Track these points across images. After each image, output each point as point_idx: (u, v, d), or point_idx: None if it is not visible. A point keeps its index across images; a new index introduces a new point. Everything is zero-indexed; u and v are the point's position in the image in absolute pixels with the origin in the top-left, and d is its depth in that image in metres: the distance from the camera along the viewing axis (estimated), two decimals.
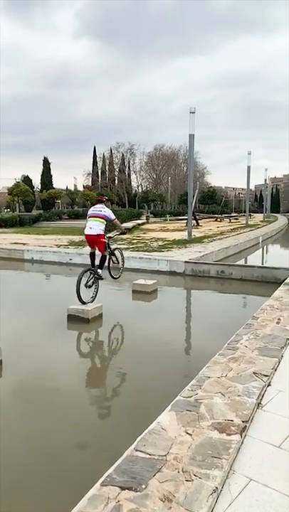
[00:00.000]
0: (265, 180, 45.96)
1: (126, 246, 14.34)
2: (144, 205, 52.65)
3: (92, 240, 6.55)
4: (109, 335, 5.94)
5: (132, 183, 69.61)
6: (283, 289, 6.51)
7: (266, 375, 3.17)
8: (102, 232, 6.48)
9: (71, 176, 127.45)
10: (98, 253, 6.74)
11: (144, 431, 2.38)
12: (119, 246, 8.45)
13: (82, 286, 6.24)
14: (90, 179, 65.03)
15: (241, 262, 13.71)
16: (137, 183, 69.35)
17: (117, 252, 7.70)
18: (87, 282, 6.45)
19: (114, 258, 7.49)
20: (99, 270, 6.64)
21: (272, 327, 4.42)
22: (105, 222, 6.57)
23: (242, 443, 2.32)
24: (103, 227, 6.52)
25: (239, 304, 8.12)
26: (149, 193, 57.08)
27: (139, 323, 6.57)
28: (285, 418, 2.61)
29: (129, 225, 23.40)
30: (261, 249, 18.16)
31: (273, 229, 27.32)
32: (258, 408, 2.74)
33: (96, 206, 6.76)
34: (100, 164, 69.40)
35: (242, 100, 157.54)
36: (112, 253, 7.35)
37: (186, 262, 10.24)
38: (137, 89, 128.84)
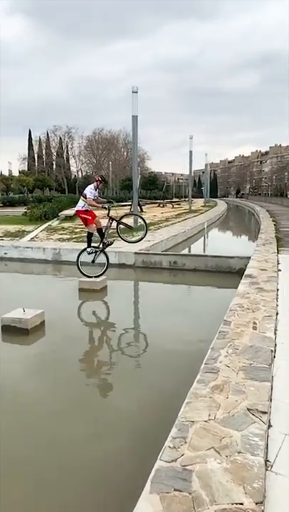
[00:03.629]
0: (206, 165, 46.49)
1: (68, 236, 13.20)
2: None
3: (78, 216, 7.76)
4: (53, 350, 4.95)
5: (72, 167, 67.03)
6: (246, 282, 5.96)
7: (264, 412, 2.46)
8: (79, 208, 7.44)
9: (5, 160, 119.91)
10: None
11: None
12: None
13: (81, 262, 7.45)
14: (26, 164, 61.48)
15: (194, 251, 13.25)
16: (77, 167, 66.85)
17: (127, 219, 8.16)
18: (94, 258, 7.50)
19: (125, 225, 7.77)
20: (88, 248, 7.56)
21: (250, 335, 3.77)
22: (85, 200, 7.30)
23: None
24: (82, 203, 7.39)
25: (200, 299, 7.52)
26: (90, 178, 55.22)
27: (88, 330, 5.67)
28: None
29: (70, 212, 22.00)
30: (208, 236, 17.93)
31: (216, 214, 27.49)
32: (266, 469, 2.02)
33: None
34: (36, 148, 65.82)
35: (180, 85, 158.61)
36: (118, 222, 7.58)
37: (136, 253, 9.45)
38: (75, 71, 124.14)
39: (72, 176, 65.76)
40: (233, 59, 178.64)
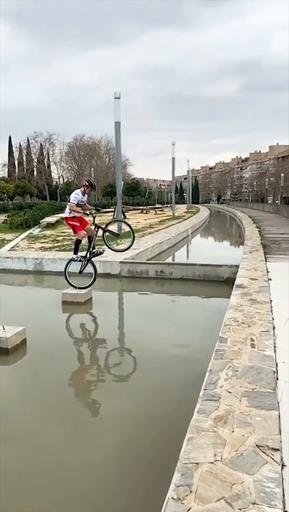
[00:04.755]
0: (188, 171, 46.69)
1: (50, 245, 12.79)
2: (66, 197, 50.37)
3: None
4: (35, 371, 4.58)
5: (53, 174, 66.38)
6: (238, 293, 5.74)
7: (275, 449, 2.20)
8: (67, 215, 7.22)
9: None
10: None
11: None
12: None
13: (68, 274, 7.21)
14: (6, 170, 60.48)
15: (179, 258, 13.05)
16: (58, 174, 66.17)
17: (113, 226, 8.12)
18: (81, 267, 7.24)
19: (111, 233, 7.60)
20: (74, 256, 7.36)
21: (248, 353, 3.52)
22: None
23: None
24: (69, 210, 7.15)
25: (190, 309, 7.25)
26: (72, 185, 54.69)
27: (73, 347, 5.33)
28: None
29: (52, 219, 21.55)
30: (192, 243, 17.79)
31: (200, 220, 27.47)
32: None
33: None
34: (16, 155, 64.90)
35: (160, 92, 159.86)
36: (104, 230, 7.31)
37: (121, 262, 9.14)
38: (56, 77, 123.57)
39: (54, 183, 65.07)
40: (211, 67, 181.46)
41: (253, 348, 3.67)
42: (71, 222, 7.20)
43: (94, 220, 7.13)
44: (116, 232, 7.72)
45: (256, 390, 2.88)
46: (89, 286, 7.07)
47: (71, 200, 7.05)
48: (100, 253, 7.35)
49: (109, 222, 7.74)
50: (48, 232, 16.90)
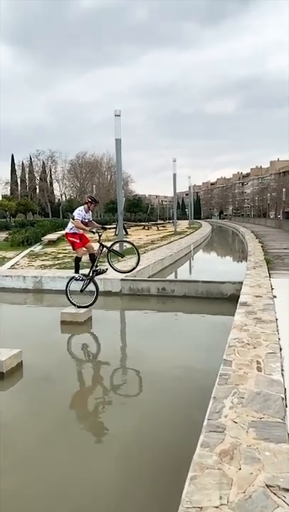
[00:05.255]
0: (190, 187, 46.91)
1: (51, 262, 12.66)
2: (68, 214, 50.57)
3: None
4: (31, 398, 4.37)
5: (55, 191, 66.91)
6: (242, 311, 5.54)
7: (288, 490, 2.00)
8: (68, 231, 7.05)
9: None
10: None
11: None
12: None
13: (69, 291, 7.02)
14: (9, 188, 61.02)
15: (181, 275, 12.87)
16: (60, 191, 66.71)
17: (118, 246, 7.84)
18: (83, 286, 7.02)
19: (116, 253, 7.38)
20: (76, 275, 7.11)
21: (255, 378, 3.32)
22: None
23: None
24: (70, 225, 6.99)
25: (194, 328, 7.03)
26: (74, 202, 54.99)
27: (71, 371, 5.11)
28: None
29: (53, 236, 21.50)
30: (195, 259, 17.63)
31: (202, 236, 27.36)
32: None
33: None
34: (19, 173, 65.64)
35: (162, 110, 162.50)
36: (109, 250, 7.12)
37: (122, 279, 8.97)
38: (58, 96, 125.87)
39: (56, 200, 65.52)
40: (211, 84, 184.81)
41: (259, 371, 3.47)
42: (71, 239, 7.05)
43: (100, 238, 6.97)
44: (120, 252, 7.49)
45: (264, 419, 2.67)
46: (91, 305, 6.89)
47: (75, 217, 6.89)
48: (103, 271, 7.19)
49: (115, 242, 7.58)
50: (49, 250, 16.81)
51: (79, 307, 6.87)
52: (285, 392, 3.09)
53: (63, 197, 65.95)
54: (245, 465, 2.20)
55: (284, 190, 47.10)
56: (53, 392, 4.41)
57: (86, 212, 6.98)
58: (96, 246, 7.15)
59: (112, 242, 7.41)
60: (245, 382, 3.25)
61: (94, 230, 6.96)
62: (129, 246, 14.81)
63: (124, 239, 8.77)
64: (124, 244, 15.92)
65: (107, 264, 7.35)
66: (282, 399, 2.95)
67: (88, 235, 7.35)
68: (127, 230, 27.74)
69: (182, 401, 4.16)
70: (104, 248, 7.04)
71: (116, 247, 7.41)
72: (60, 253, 15.33)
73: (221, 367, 3.57)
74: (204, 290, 8.58)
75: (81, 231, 7.00)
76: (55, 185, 66.79)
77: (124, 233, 25.83)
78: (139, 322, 7.59)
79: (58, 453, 3.28)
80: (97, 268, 7.09)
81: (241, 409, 2.80)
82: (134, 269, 7.53)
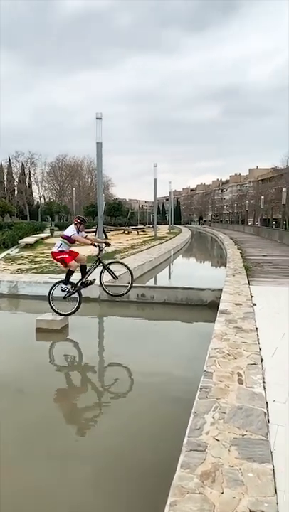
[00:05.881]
0: (170, 193, 47.11)
1: (28, 266, 12.33)
2: (47, 217, 49.91)
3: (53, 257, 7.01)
4: (4, 409, 4.14)
5: (34, 194, 65.90)
6: (222, 319, 5.47)
7: None
8: (54, 250, 6.83)
9: None
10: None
11: None
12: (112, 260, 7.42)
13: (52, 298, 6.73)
14: None
15: (161, 281, 12.78)
16: (39, 194, 65.78)
17: (114, 266, 7.31)
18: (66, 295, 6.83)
19: (111, 273, 7.10)
20: (63, 285, 6.85)
21: (236, 391, 3.22)
22: (65, 240, 6.73)
23: None
24: (58, 244, 6.80)
25: (174, 336, 6.93)
26: (53, 205, 54.31)
27: (46, 382, 4.89)
28: None
29: (31, 239, 21.08)
30: (175, 264, 17.60)
31: (182, 241, 27.43)
32: None
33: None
34: None
35: (144, 115, 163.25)
36: (104, 268, 7.06)
37: (100, 285, 8.76)
38: (40, 99, 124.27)
39: (35, 203, 64.54)
40: (193, 92, 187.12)
41: (240, 384, 3.37)
42: (59, 257, 6.78)
43: (100, 253, 6.96)
44: (115, 273, 7.15)
45: (246, 436, 2.57)
46: (72, 313, 6.70)
47: (72, 233, 6.69)
48: (91, 283, 6.98)
49: (111, 262, 7.36)
50: (26, 253, 16.42)
51: (60, 314, 6.64)
52: (266, 406, 3.01)
53: (42, 199, 65.07)
54: (228, 488, 2.08)
55: (262, 197, 47.91)
56: (25, 404, 4.19)
57: (78, 232, 6.78)
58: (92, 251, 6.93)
59: (109, 262, 7.20)
60: (227, 395, 3.15)
61: (96, 244, 6.85)
62: (109, 250, 14.53)
63: (120, 261, 8.54)
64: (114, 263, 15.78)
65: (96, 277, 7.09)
66: (265, 414, 2.86)
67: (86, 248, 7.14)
68: (107, 234, 27.52)
69: (161, 411, 4.03)
70: (100, 264, 6.94)
71: (112, 267, 7.15)
72: (37, 257, 14.99)
73: (202, 379, 3.46)
74: (184, 297, 8.50)
75: (70, 248, 6.78)
76: (34, 187, 65.92)
77: (104, 237, 25.63)
78: (118, 329, 7.43)
79: (30, 465, 3.08)
80: (87, 280, 6.91)
81: (223, 426, 2.69)
82: (127, 292, 7.30)
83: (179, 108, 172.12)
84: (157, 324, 7.72)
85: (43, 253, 16.72)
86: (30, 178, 64.86)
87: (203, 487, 2.09)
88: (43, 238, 24.33)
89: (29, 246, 19.23)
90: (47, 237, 26.33)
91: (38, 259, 14.30)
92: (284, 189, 33.71)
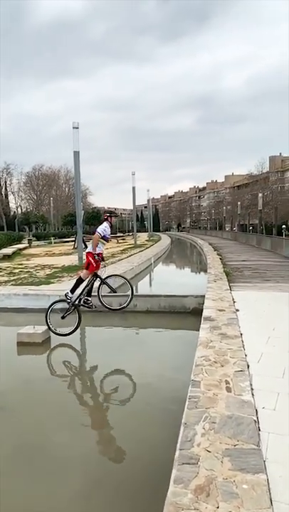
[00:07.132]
0: (148, 200, 47.33)
1: (6, 278, 12.04)
2: (24, 227, 49.20)
3: None
4: None
5: (11, 204, 65.00)
6: (206, 326, 5.45)
7: None
8: (89, 250, 6.45)
9: None
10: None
11: None
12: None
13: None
14: None
15: (143, 289, 12.72)
16: (16, 204, 64.90)
17: (110, 280, 6.78)
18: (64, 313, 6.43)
19: (109, 287, 6.71)
20: (68, 293, 6.48)
21: (225, 400, 3.19)
22: (102, 240, 6.44)
23: None
24: (99, 245, 6.42)
25: (158, 344, 6.86)
26: (30, 215, 53.60)
27: (29, 399, 4.74)
28: None
29: (8, 250, 20.70)
30: (155, 272, 17.59)
31: (162, 248, 27.52)
32: None
33: None
34: None
35: (121, 124, 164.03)
36: (102, 282, 6.62)
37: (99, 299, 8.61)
38: (14, 108, 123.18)
39: (12, 213, 63.59)
40: (169, 100, 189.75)
41: (229, 392, 3.34)
42: (90, 259, 6.36)
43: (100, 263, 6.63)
44: (113, 287, 6.83)
45: (238, 446, 2.53)
46: (70, 333, 6.40)
47: (99, 232, 6.39)
48: (91, 307, 6.67)
49: (108, 276, 6.92)
50: (3, 265, 16.07)
51: (59, 335, 6.41)
52: (256, 413, 2.99)
53: (19, 209, 64.18)
54: (223, 502, 2.03)
55: (239, 203, 48.75)
56: (5, 423, 4.03)
57: (110, 228, 6.57)
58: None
59: (107, 276, 6.80)
60: (216, 404, 3.11)
61: (101, 259, 6.59)
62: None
63: (119, 274, 8.19)
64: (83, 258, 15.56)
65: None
66: (255, 422, 2.84)
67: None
68: (87, 243, 27.28)
69: (148, 423, 3.95)
70: (98, 278, 6.55)
71: (110, 281, 6.77)
72: (16, 268, 14.69)
73: (190, 388, 3.42)
74: (167, 304, 8.47)
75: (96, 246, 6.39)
76: (11, 197, 65.06)
77: (84, 246, 25.37)
78: (101, 340, 7.31)
79: (16, 481, 2.95)
80: (90, 300, 6.57)
81: (214, 436, 2.65)
82: (128, 305, 6.92)
83: (156, 116, 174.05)
84: (141, 333, 7.65)
85: (21, 264, 16.41)
86: (6, 188, 63.99)
87: (198, 502, 2.03)
88: (21, 249, 23.93)
89: (7, 257, 18.87)
90: (25, 248, 25.91)
91: (16, 270, 14.01)
92: (260, 195, 34.44)
